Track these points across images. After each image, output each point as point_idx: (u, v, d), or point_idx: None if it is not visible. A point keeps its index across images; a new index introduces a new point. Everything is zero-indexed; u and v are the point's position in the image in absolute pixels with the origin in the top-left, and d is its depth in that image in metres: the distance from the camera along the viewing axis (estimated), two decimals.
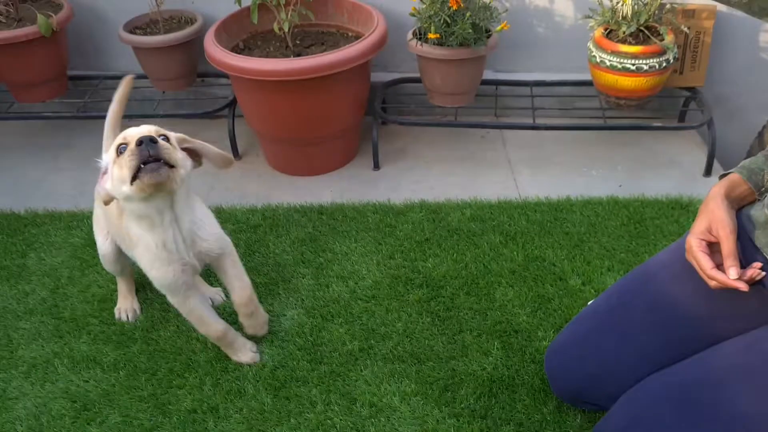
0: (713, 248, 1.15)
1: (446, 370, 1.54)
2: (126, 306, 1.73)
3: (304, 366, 1.57)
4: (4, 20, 2.21)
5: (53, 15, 2.18)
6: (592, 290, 1.73)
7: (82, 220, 2.00)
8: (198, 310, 1.51)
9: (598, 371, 1.34)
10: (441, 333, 1.64)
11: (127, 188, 1.28)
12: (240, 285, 1.54)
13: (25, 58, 2.18)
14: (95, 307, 1.75)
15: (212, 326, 1.53)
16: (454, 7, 1.95)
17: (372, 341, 1.62)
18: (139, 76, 2.40)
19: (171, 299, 1.49)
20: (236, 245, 1.89)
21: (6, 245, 1.94)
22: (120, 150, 1.30)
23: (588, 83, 2.25)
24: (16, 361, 1.61)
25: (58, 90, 2.33)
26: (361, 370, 1.55)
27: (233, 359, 1.58)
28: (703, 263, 1.13)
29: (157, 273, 1.43)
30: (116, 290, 1.77)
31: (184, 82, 2.34)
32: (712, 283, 1.13)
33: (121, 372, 1.57)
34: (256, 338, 1.62)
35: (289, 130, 2.12)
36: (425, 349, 1.60)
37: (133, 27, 2.30)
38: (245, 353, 1.58)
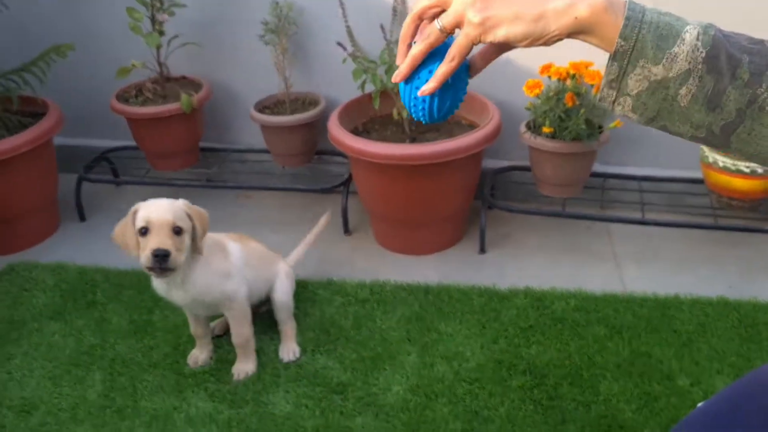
0: None
1: None
2: (196, 354, 1.88)
3: None
4: (151, 97, 2.45)
5: (194, 94, 2.40)
6: (701, 392, 1.70)
7: None
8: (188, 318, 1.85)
9: None
10: (544, 422, 1.65)
11: (140, 260, 1.61)
12: (234, 334, 1.81)
13: (166, 131, 2.41)
14: (212, 367, 1.85)
15: (191, 326, 1.85)
16: (569, 104, 2.03)
17: (475, 423, 1.65)
18: (261, 151, 2.61)
19: None
20: (345, 318, 1.99)
21: (135, 301, 2.10)
22: (142, 231, 1.59)
23: (698, 181, 2.26)
24: (139, 411, 1.73)
25: (191, 160, 2.54)
26: None
27: (191, 352, 1.88)
28: None
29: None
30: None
31: (304, 159, 2.50)
32: None
33: (233, 430, 1.66)
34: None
35: (401, 211, 2.22)
36: None
37: (262, 106, 2.49)
38: (195, 353, 1.87)
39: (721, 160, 2.03)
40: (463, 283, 2.13)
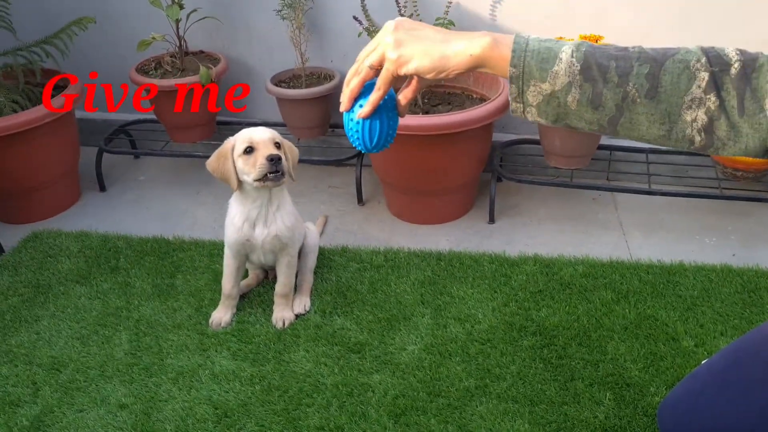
0: None
1: (559, 414, 1.62)
2: (219, 316, 1.95)
3: (423, 397, 1.68)
4: (170, 69, 2.51)
5: (212, 67, 2.46)
6: (705, 352, 1.77)
7: (222, 249, 2.21)
8: (230, 268, 1.92)
9: (713, 426, 1.38)
10: (553, 379, 1.72)
11: (249, 179, 1.76)
12: (282, 282, 1.94)
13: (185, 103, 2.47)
14: (234, 328, 1.93)
15: (227, 284, 1.93)
16: None
17: (487, 380, 1.72)
18: (276, 124, 2.67)
19: (225, 250, 1.93)
20: (360, 282, 2.06)
21: (158, 266, 2.17)
22: (247, 150, 1.75)
23: (704, 153, 2.32)
24: (165, 368, 1.80)
25: (208, 133, 2.61)
26: (477, 406, 1.65)
27: (212, 314, 1.95)
28: None
29: (227, 232, 1.89)
30: (253, 315, 1.96)
31: (318, 132, 2.56)
32: None
33: (256, 386, 1.73)
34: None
35: (414, 181, 2.28)
36: (538, 392, 1.68)
37: (278, 80, 2.55)
38: (218, 315, 1.94)
39: None
40: (474, 250, 2.20)
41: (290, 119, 2.53)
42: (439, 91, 2.47)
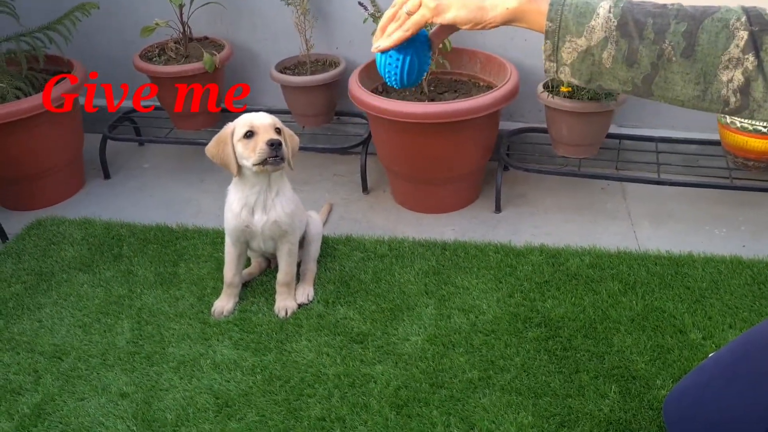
0: None
1: (563, 406, 1.60)
2: (221, 305, 1.93)
3: (426, 389, 1.66)
4: (173, 56, 2.49)
5: (216, 54, 2.43)
6: (713, 345, 1.74)
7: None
8: (231, 256, 1.91)
9: (719, 419, 1.36)
10: (558, 371, 1.69)
11: (248, 163, 1.75)
12: (283, 271, 1.93)
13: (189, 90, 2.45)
14: (236, 317, 1.91)
15: (228, 273, 1.92)
16: None
17: (491, 372, 1.70)
18: (281, 111, 2.65)
19: (226, 237, 1.91)
20: (364, 272, 2.04)
21: (161, 254, 2.16)
22: (247, 134, 1.74)
23: (714, 143, 2.28)
24: (167, 357, 1.79)
25: (212, 120, 2.58)
26: (480, 398, 1.63)
27: (214, 303, 1.94)
28: None
29: (226, 218, 1.87)
30: (255, 304, 1.94)
31: (324, 119, 2.53)
32: None
33: (258, 376, 1.72)
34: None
35: (419, 170, 2.26)
36: (542, 384, 1.66)
37: (283, 67, 2.52)
38: (220, 304, 1.92)
39: (739, 120, 2.05)
40: (479, 240, 2.17)
41: (295, 107, 2.51)
42: (446, 79, 2.44)
